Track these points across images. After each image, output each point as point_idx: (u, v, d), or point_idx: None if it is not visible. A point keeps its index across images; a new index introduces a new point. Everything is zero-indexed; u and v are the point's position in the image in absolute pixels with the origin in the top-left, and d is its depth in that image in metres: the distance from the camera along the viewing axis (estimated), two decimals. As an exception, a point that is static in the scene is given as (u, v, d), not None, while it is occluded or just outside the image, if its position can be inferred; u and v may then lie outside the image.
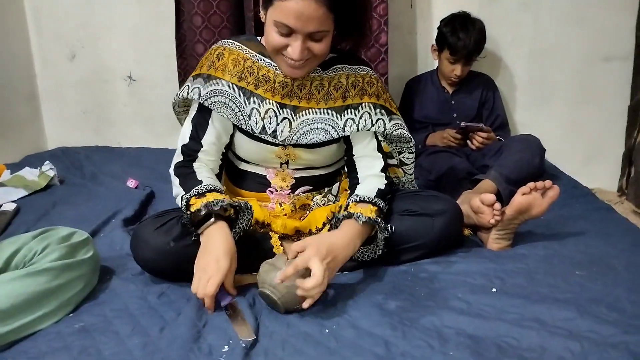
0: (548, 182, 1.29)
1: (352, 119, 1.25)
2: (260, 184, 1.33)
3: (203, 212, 1.14)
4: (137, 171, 2.08)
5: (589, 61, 2.27)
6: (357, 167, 1.30)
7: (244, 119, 1.24)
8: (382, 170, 1.29)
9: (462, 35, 1.95)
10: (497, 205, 1.30)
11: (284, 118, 1.24)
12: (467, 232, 1.42)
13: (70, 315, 1.10)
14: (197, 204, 1.15)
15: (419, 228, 1.25)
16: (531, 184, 1.28)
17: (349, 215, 1.18)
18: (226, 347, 0.97)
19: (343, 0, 1.12)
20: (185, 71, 2.19)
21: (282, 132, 1.24)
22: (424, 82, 2.19)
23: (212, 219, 1.14)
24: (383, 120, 1.26)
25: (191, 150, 1.26)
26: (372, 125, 1.25)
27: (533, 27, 2.24)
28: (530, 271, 1.19)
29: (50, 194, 1.86)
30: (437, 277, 1.19)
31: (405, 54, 2.31)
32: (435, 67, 2.20)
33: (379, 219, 1.18)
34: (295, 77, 1.22)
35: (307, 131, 1.24)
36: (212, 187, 1.19)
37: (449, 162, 1.84)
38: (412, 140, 1.32)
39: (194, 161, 1.25)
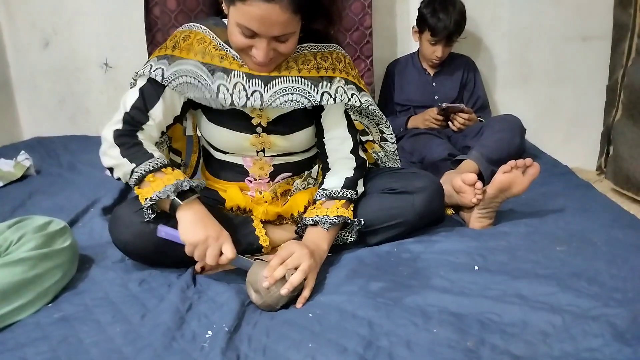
0: (528, 160, 1.30)
1: (328, 93, 1.20)
2: (239, 173, 1.30)
3: (172, 197, 1.09)
4: (115, 159, 2.04)
5: (567, 40, 2.29)
6: (326, 150, 1.28)
7: (211, 96, 1.16)
8: (352, 152, 1.27)
9: (443, 16, 1.94)
10: (479, 185, 1.30)
11: (254, 91, 1.16)
12: (449, 211, 1.43)
13: (49, 305, 1.08)
14: (157, 183, 1.09)
15: (400, 205, 1.24)
16: (512, 162, 1.29)
17: (315, 223, 1.18)
18: (209, 332, 0.97)
19: (307, 2, 1.07)
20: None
21: (252, 104, 1.16)
22: (404, 65, 2.18)
23: (193, 196, 1.11)
24: (356, 95, 1.24)
25: (135, 120, 1.16)
26: (349, 99, 1.22)
27: (510, 6, 2.25)
28: (512, 248, 1.19)
29: (26, 184, 1.83)
30: (420, 256, 1.19)
31: (385, 36, 2.29)
32: (415, 50, 2.20)
33: (343, 216, 1.17)
34: (261, 72, 1.17)
35: (280, 103, 1.17)
36: (167, 162, 1.13)
37: (430, 144, 1.84)
38: (384, 117, 1.32)
39: (137, 131, 1.16)
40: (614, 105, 2.18)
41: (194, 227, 1.08)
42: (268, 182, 1.30)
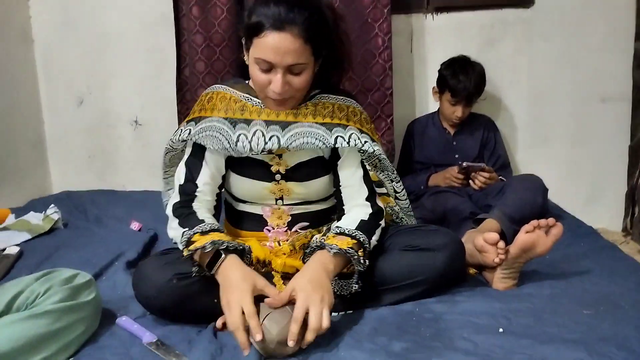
0: (551, 220, 1.29)
1: (342, 137, 1.26)
2: (258, 222, 1.34)
3: (208, 249, 1.13)
4: (140, 214, 2.08)
5: (585, 102, 2.31)
6: (342, 198, 1.32)
7: (230, 146, 1.25)
8: (367, 199, 1.30)
9: (463, 77, 2.00)
10: (501, 244, 1.29)
11: (272, 135, 1.25)
12: (472, 271, 1.41)
13: (71, 359, 1.08)
14: (202, 240, 1.15)
15: (422, 263, 1.24)
16: (534, 222, 1.28)
17: (322, 246, 1.18)
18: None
19: (317, 31, 1.16)
20: (185, 116, 2.23)
21: (271, 147, 1.24)
22: (425, 124, 2.22)
23: (223, 255, 1.14)
24: (369, 143, 1.28)
25: (188, 190, 1.28)
26: (362, 144, 1.26)
27: (528, 70, 2.30)
28: (537, 310, 1.17)
29: (53, 237, 1.86)
30: (442, 317, 1.17)
31: (405, 96, 2.35)
32: (435, 109, 2.24)
33: (351, 250, 1.17)
34: (279, 110, 1.25)
35: (297, 144, 1.24)
36: (216, 227, 1.20)
37: (451, 202, 1.84)
38: (394, 170, 1.36)
39: (193, 201, 1.27)
40: (637, 166, 2.17)
41: (222, 294, 1.10)
42: (286, 231, 1.32)
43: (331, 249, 1.17)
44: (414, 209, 1.64)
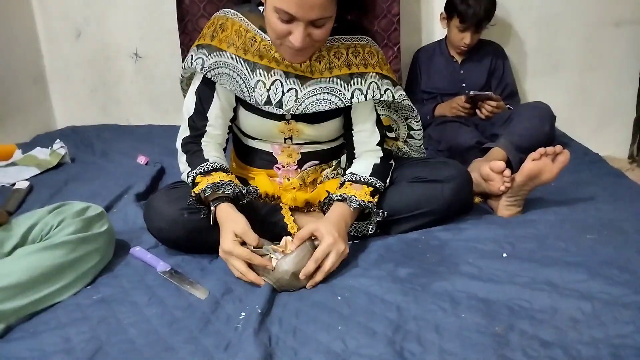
0: (558, 147, 1.28)
1: (360, 89, 1.23)
2: (267, 160, 1.33)
3: (208, 193, 1.15)
4: (146, 148, 2.09)
5: (598, 26, 2.24)
6: (354, 142, 1.31)
7: (248, 91, 1.22)
8: (378, 144, 1.29)
9: (472, 2, 1.92)
10: (507, 172, 1.29)
11: (291, 88, 1.22)
12: (477, 200, 1.43)
13: (88, 287, 1.12)
14: (202, 183, 1.16)
15: (429, 195, 1.25)
16: (541, 149, 1.28)
17: (342, 199, 1.19)
18: (243, 313, 0.99)
19: None
20: (188, 47, 2.18)
21: (287, 102, 1.21)
22: (432, 52, 2.17)
23: (213, 208, 1.15)
24: (391, 90, 1.25)
25: (198, 124, 1.26)
26: (381, 95, 1.24)
27: (541, -8, 2.21)
28: (541, 236, 1.19)
29: (62, 172, 1.88)
30: (447, 243, 1.20)
31: (411, 23, 2.28)
32: (442, 37, 2.18)
33: (370, 203, 1.19)
34: (296, 62, 1.20)
35: (313, 102, 1.21)
36: (218, 166, 1.20)
37: (458, 132, 1.83)
38: (415, 110, 1.33)
39: (202, 137, 1.25)
40: (647, 93, 2.14)
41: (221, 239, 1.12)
42: (296, 169, 1.32)
43: (351, 202, 1.18)
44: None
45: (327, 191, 1.28)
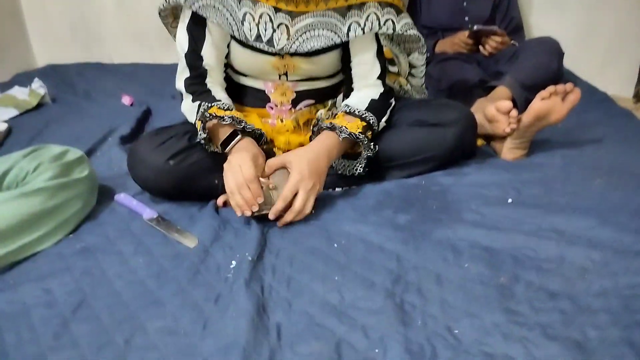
0: (569, 85, 1.20)
1: (357, 22, 1.13)
2: (260, 99, 1.24)
3: (227, 122, 1.08)
4: (131, 88, 1.99)
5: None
6: (353, 76, 1.21)
7: (236, 24, 1.12)
8: (379, 78, 1.20)
9: None
10: (514, 113, 1.22)
11: (281, 23, 1.11)
12: (480, 142, 1.36)
13: (71, 235, 1.07)
14: (220, 113, 1.09)
15: (431, 139, 1.18)
16: (551, 88, 1.20)
17: (332, 127, 1.12)
18: (234, 262, 0.94)
19: None
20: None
21: (279, 40, 1.12)
22: (433, -17, 2.03)
23: (240, 136, 1.09)
24: (392, 20, 1.15)
25: (196, 64, 1.16)
26: (380, 27, 1.14)
27: None
28: (548, 180, 1.13)
29: (42, 113, 1.79)
30: (449, 189, 1.14)
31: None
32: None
33: (362, 136, 1.12)
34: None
35: (307, 38, 1.12)
36: (233, 108, 1.13)
37: (460, 70, 1.73)
38: (422, 39, 1.21)
39: (204, 77, 1.17)
40: (657, 29, 2.03)
41: (226, 171, 1.06)
42: (290, 109, 1.24)
43: (341, 132, 1.11)
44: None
45: (316, 119, 1.21)
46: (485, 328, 0.75)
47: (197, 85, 1.16)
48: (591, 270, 0.85)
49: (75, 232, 1.08)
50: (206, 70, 1.16)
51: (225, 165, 1.07)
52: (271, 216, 1.03)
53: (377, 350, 0.72)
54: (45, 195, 1.04)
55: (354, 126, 1.13)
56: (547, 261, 0.89)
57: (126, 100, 1.86)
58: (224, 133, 1.11)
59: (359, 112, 1.15)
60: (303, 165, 1.05)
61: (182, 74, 1.18)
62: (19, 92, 1.88)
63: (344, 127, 1.11)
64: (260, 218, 1.06)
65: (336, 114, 1.18)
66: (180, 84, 1.18)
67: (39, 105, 1.84)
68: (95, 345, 0.77)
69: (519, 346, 0.71)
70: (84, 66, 2.25)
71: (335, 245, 0.98)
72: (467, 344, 0.73)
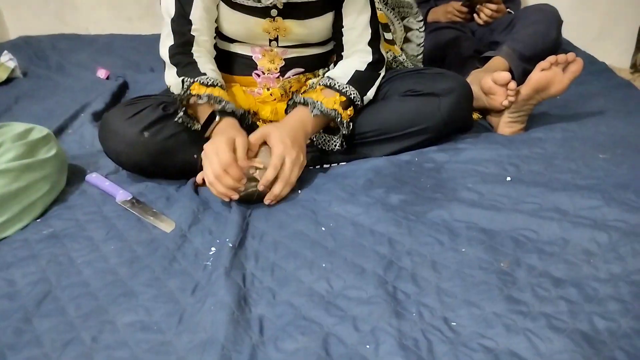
0: (571, 55, 1.13)
1: None
2: (246, 65, 1.15)
3: (203, 101, 1.01)
4: (107, 60, 1.89)
5: None
6: (343, 42, 1.14)
7: None
8: (369, 44, 1.13)
9: None
10: (512, 85, 1.14)
11: None
12: (475, 116, 1.28)
13: (38, 220, 0.99)
14: (200, 90, 1.01)
15: (424, 110, 1.10)
16: (551, 58, 1.13)
17: (305, 103, 1.06)
18: (213, 249, 0.88)
19: None
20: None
21: None
22: (425, -52, 1.92)
23: (217, 118, 1.01)
24: None
25: (183, 29, 1.07)
26: None
27: None
28: (548, 156, 1.07)
29: (12, 88, 1.69)
30: (444, 166, 1.07)
31: None
32: None
33: (334, 112, 1.06)
34: None
35: None
36: (218, 83, 1.04)
37: (453, 40, 1.65)
38: (415, 6, 1.13)
39: (191, 45, 1.07)
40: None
41: (206, 166, 0.98)
42: (277, 77, 1.15)
43: (314, 108, 1.05)
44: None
45: (292, 92, 1.14)
46: (486, 319, 0.69)
47: (182, 55, 1.07)
48: (597, 254, 0.80)
49: (42, 217, 1.00)
50: (193, 37, 1.07)
51: (202, 155, 0.99)
52: (260, 187, 0.97)
53: (368, 346, 0.66)
54: (8, 177, 0.96)
55: (331, 101, 1.06)
56: (550, 244, 0.83)
57: (102, 73, 1.76)
58: (204, 113, 1.03)
59: (339, 85, 1.08)
60: (284, 136, 1.00)
61: (167, 40, 1.08)
62: (-13, 66, 1.77)
63: (318, 103, 1.05)
64: (247, 199, 0.99)
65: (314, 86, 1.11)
66: (164, 52, 1.09)
67: (9, 80, 1.74)
68: (59, 343, 0.70)
69: (522, 339, 0.66)
70: (57, 37, 2.13)
71: (323, 228, 0.91)
72: (466, 337, 0.67)
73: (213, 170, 0.95)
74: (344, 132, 1.08)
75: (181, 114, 1.04)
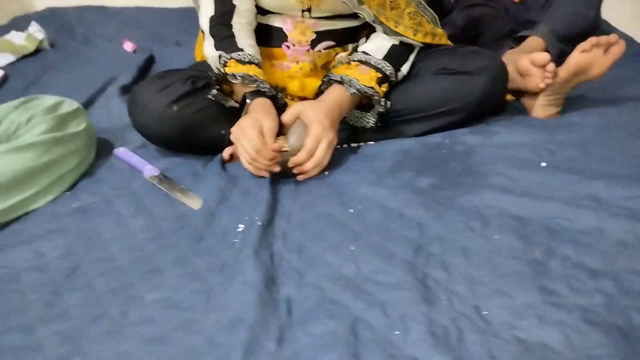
0: (613, 37, 1.08)
1: None
2: (277, 38, 1.13)
3: (237, 82, 1.01)
4: (134, 33, 1.88)
5: None
6: None
7: None
8: None
9: None
10: (551, 66, 1.10)
11: None
12: (509, 97, 1.24)
13: (67, 193, 1.00)
14: (236, 68, 1.01)
15: (457, 88, 1.08)
16: (593, 39, 1.08)
17: (341, 81, 1.04)
18: (241, 226, 0.87)
19: None
20: None
21: None
22: None
23: (249, 100, 1.01)
24: None
25: (223, 2, 1.06)
26: None
27: None
28: (585, 142, 1.03)
29: (40, 59, 1.70)
30: (475, 150, 1.04)
31: None
32: None
33: (372, 90, 1.04)
34: None
35: None
36: (255, 60, 1.04)
37: (486, 17, 1.59)
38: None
39: (231, 16, 1.06)
40: None
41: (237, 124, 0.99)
42: (308, 50, 1.13)
43: (350, 86, 1.03)
44: (442, 26, 1.41)
45: (336, 62, 1.12)
46: (517, 309, 0.68)
47: (221, 26, 1.06)
48: (633, 245, 0.77)
49: (71, 190, 1.01)
50: (234, 6, 1.06)
51: (231, 137, 1.00)
52: (292, 164, 0.97)
53: (397, 332, 0.65)
54: (39, 150, 0.97)
55: (367, 78, 1.04)
56: (585, 233, 0.80)
57: (128, 46, 1.75)
58: (240, 91, 1.03)
59: (375, 61, 1.06)
60: (321, 117, 0.99)
61: (207, 9, 1.07)
62: (16, 37, 1.78)
63: (354, 80, 1.03)
64: (285, 171, 0.99)
65: (349, 61, 1.09)
66: (204, 22, 1.08)
67: (37, 51, 1.75)
68: (88, 317, 0.71)
69: (555, 331, 0.64)
70: (84, 9, 2.12)
71: (351, 210, 0.90)
72: (497, 326, 0.66)
73: (247, 154, 0.96)
74: (380, 110, 1.06)
75: (214, 91, 1.03)
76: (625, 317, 0.65)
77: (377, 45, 1.08)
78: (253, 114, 0.98)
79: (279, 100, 1.07)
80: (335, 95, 1.04)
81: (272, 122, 0.97)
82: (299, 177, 0.99)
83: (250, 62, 1.03)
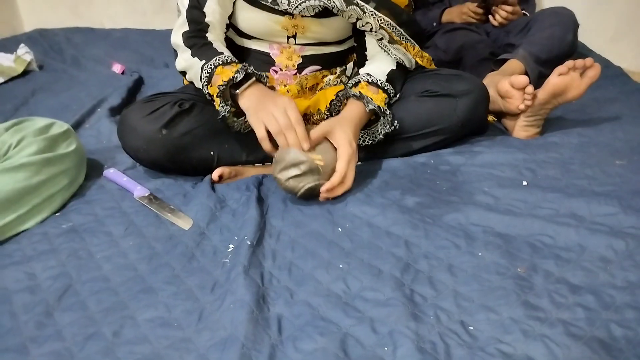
0: (589, 60, 1.13)
1: None
2: (264, 62, 1.15)
3: (240, 78, 1.01)
4: (122, 55, 1.90)
5: None
6: (366, 42, 1.14)
7: None
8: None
9: None
10: (530, 89, 1.14)
11: None
12: (491, 118, 1.29)
13: (57, 214, 1.00)
14: (227, 72, 1.01)
15: (440, 110, 1.11)
16: (569, 63, 1.12)
17: (360, 97, 1.06)
18: (231, 246, 0.89)
19: None
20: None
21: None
22: (441, -51, 1.92)
23: (253, 79, 1.03)
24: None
25: (197, 18, 1.07)
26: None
27: None
28: (565, 161, 1.07)
29: (28, 81, 1.71)
30: (460, 169, 1.07)
31: None
32: None
33: (387, 112, 1.07)
34: None
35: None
36: (236, 60, 1.05)
37: (468, 41, 1.64)
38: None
39: (206, 31, 1.08)
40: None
41: (253, 109, 1.00)
42: (295, 74, 1.16)
43: (368, 103, 1.05)
44: (425, 49, 1.46)
45: (344, 83, 1.15)
46: (503, 324, 0.70)
47: (197, 38, 1.08)
48: (614, 261, 0.80)
49: (61, 211, 1.01)
50: (208, 25, 1.08)
51: (252, 110, 0.99)
52: (324, 189, 0.97)
53: (386, 348, 0.67)
54: (30, 171, 0.97)
55: (379, 98, 1.08)
56: (566, 250, 0.83)
57: (117, 68, 1.77)
58: (227, 95, 1.04)
59: (381, 83, 1.10)
60: (350, 138, 1.00)
61: (181, 27, 1.08)
62: (4, 59, 1.78)
63: (370, 99, 1.06)
64: (309, 194, 0.98)
65: (358, 81, 1.11)
66: (177, 38, 1.09)
67: (25, 73, 1.75)
68: (81, 337, 0.71)
69: (539, 345, 0.66)
70: (73, 31, 2.15)
71: (340, 229, 0.92)
72: (483, 341, 0.68)
73: (283, 121, 0.96)
74: (387, 131, 1.08)
75: (227, 107, 1.03)
76: (606, 330, 0.68)
77: (379, 69, 1.12)
78: (265, 92, 1.00)
79: (263, 81, 1.08)
80: (357, 112, 1.06)
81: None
82: (322, 198, 0.99)
83: (233, 62, 1.03)
